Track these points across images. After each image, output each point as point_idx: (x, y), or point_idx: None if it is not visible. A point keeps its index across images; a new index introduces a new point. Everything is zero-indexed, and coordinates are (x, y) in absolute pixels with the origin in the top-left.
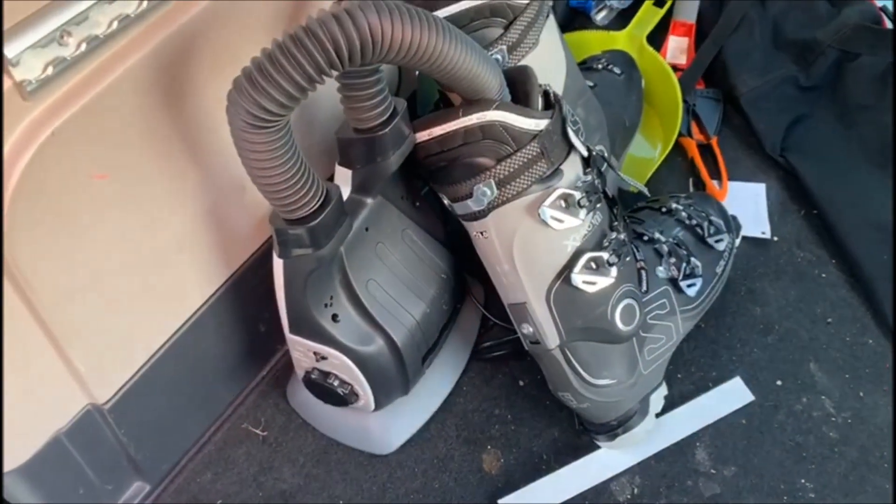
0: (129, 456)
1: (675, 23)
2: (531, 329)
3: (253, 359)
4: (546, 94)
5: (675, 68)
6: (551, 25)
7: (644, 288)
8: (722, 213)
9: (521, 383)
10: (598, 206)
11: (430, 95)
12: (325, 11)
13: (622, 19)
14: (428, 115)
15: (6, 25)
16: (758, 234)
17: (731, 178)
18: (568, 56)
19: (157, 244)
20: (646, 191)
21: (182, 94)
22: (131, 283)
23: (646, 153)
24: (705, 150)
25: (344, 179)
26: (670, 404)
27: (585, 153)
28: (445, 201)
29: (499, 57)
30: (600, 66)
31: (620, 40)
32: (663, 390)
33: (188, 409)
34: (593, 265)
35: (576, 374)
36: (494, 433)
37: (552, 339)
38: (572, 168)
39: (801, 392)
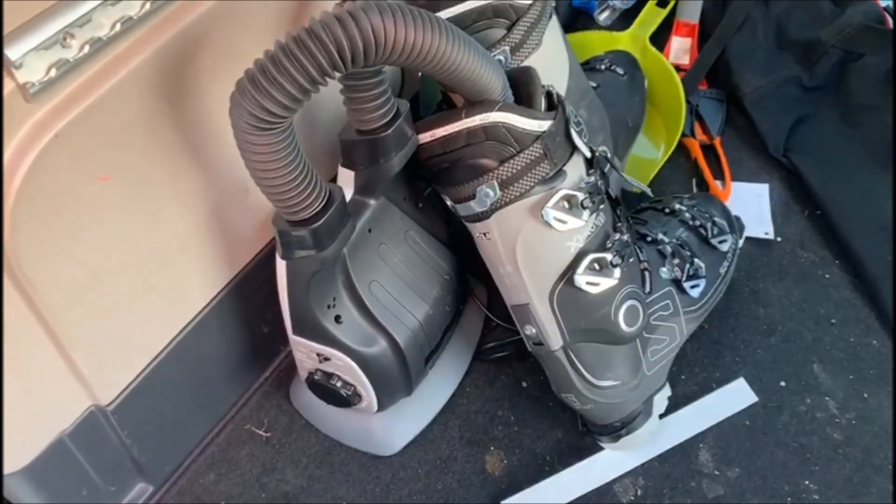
0: (132, 457)
1: (679, 23)
2: (534, 330)
3: (256, 360)
4: (549, 95)
5: (678, 68)
6: (554, 26)
7: (647, 289)
8: (725, 213)
9: (525, 384)
10: (602, 207)
11: (432, 96)
12: (328, 13)
13: (625, 20)
14: (431, 117)
15: (9, 28)
16: (761, 235)
17: (734, 179)
18: (571, 57)
19: (160, 245)
20: (649, 191)
21: (185, 96)
22: (134, 284)
23: (649, 154)
24: (708, 150)
25: (347, 181)
26: (674, 405)
27: (588, 154)
28: (448, 202)
29: (502, 58)
30: (603, 67)
31: (623, 41)
32: (667, 391)
33: (191, 411)
34: (596, 266)
35: (579, 376)
36: (497, 434)
37: (555, 340)
38: (575, 169)
39: (805, 393)
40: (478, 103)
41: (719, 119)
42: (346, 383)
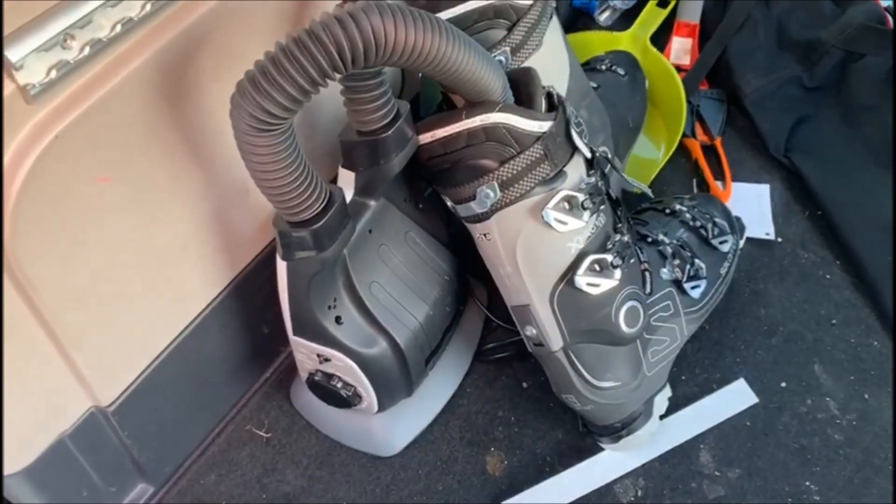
0: (132, 458)
1: (679, 23)
2: (535, 331)
3: (256, 361)
4: (549, 95)
5: (678, 69)
6: (555, 27)
7: (648, 290)
8: (726, 214)
9: (525, 385)
10: (602, 207)
11: (433, 97)
12: (328, 14)
13: (626, 20)
14: (431, 117)
15: (10, 30)
16: (762, 236)
17: (734, 179)
18: (571, 57)
19: (160, 246)
20: (649, 192)
21: (185, 97)
22: (135, 285)
23: (650, 154)
24: (709, 150)
25: (347, 182)
26: (674, 406)
27: (589, 155)
28: (448, 203)
29: (502, 58)
30: (604, 67)
31: (624, 41)
32: (667, 392)
33: (192, 411)
34: (597, 267)
35: (579, 377)
36: (498, 435)
37: (556, 341)
38: (576, 170)
39: (806, 394)
40: (478, 104)
41: (720, 119)
42: (346, 384)
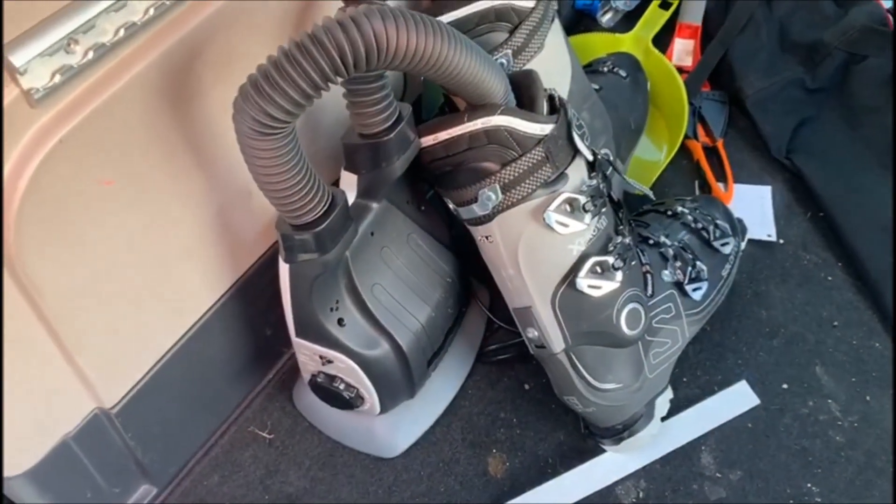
0: (136, 459)
1: (681, 25)
2: (536, 333)
3: (259, 362)
4: (551, 98)
5: (680, 70)
6: (556, 29)
7: (649, 292)
8: (728, 215)
9: (527, 387)
10: (604, 210)
11: (435, 100)
12: (330, 19)
13: (628, 21)
14: (433, 120)
15: (14, 34)
16: (764, 237)
17: (736, 181)
18: (573, 59)
19: (163, 249)
20: (650, 194)
21: (188, 101)
22: (138, 287)
23: (651, 156)
24: (711, 152)
25: (349, 184)
26: (676, 408)
27: (591, 157)
28: (450, 205)
29: (504, 61)
30: (606, 69)
31: (626, 42)
32: (669, 394)
33: (195, 413)
34: (598, 269)
35: (581, 379)
36: (500, 437)
37: (557, 343)
38: (577, 172)
39: (808, 396)
40: (480, 107)
41: (722, 121)
42: (348, 386)
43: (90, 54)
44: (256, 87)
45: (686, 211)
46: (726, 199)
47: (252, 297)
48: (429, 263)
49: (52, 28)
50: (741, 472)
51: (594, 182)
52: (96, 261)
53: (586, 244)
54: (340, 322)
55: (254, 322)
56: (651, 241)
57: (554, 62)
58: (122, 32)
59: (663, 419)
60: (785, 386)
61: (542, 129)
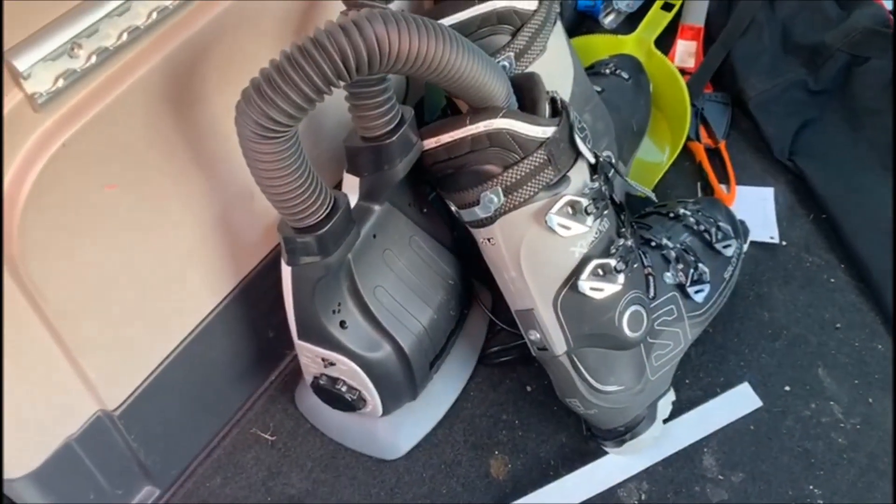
0: (138, 461)
1: (684, 27)
2: (538, 335)
3: (261, 364)
4: (553, 100)
5: (683, 72)
6: (559, 31)
7: (652, 294)
8: (730, 217)
9: (529, 389)
10: (606, 212)
11: (437, 102)
12: (333, 23)
13: (630, 23)
14: (435, 123)
15: (17, 39)
16: (766, 239)
17: (739, 183)
18: (575, 62)
19: (166, 252)
20: (653, 196)
21: (191, 104)
22: (141, 290)
23: (654, 157)
24: (713, 154)
25: (352, 187)
26: (678, 410)
27: (593, 160)
28: (453, 208)
29: (506, 64)
30: (608, 71)
31: (628, 44)
32: (671, 396)
33: (197, 415)
34: (600, 272)
35: (583, 381)
36: (502, 438)
37: (559, 345)
38: (579, 175)
39: (810, 398)
40: (482, 110)
41: (724, 123)
42: (351, 388)
43: (93, 58)
44: (259, 91)
45: (688, 213)
46: (729, 201)
47: (254, 299)
48: (431, 265)
49: (56, 32)
50: (743, 474)
51: (596, 184)
52: (99, 264)
53: (588, 246)
54: (343, 324)
55: (256, 324)
56: (653, 244)
57: (556, 64)
58: (125, 36)
59: (665, 421)
60: (787, 388)
61: (545, 131)
